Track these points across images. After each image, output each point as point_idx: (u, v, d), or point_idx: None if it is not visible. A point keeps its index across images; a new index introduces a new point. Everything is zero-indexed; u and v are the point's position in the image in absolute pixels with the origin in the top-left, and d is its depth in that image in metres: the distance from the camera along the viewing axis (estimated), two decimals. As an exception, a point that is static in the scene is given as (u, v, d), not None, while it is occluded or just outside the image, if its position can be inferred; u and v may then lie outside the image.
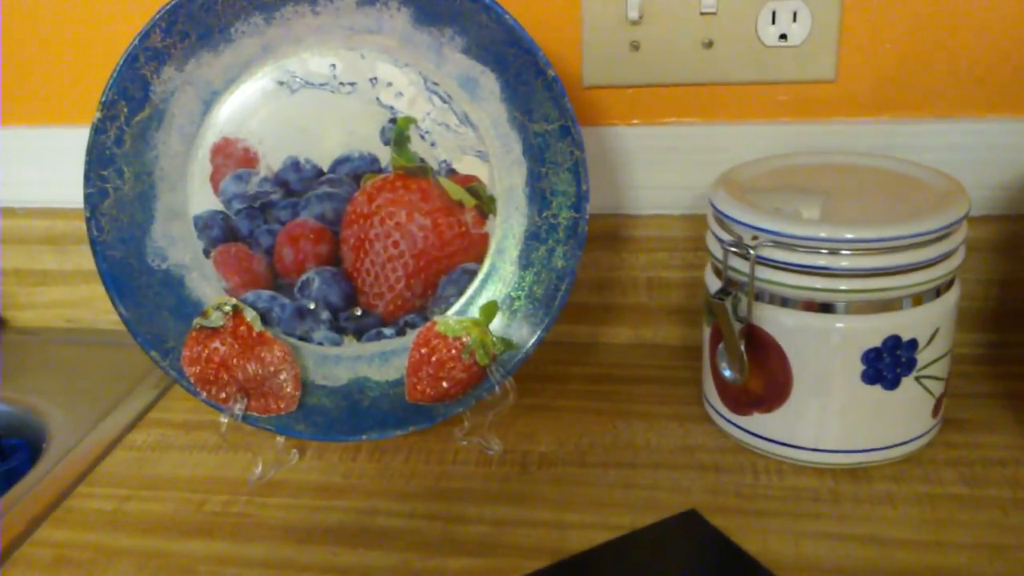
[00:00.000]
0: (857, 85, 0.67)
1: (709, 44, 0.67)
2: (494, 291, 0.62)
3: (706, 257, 0.71)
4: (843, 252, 0.53)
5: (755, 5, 0.66)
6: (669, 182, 0.71)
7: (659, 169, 0.71)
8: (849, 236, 0.52)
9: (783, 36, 0.66)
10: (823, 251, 0.53)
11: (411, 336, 0.61)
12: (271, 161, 0.59)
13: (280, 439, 0.61)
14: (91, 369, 0.77)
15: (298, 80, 0.58)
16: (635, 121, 0.70)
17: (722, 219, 0.58)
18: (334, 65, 0.59)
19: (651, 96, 0.70)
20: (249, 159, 0.59)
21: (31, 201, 0.80)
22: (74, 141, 0.76)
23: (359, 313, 0.61)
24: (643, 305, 0.74)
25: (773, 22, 0.66)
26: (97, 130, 0.56)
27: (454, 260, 0.61)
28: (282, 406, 0.60)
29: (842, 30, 0.66)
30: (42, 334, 0.83)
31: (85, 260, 0.81)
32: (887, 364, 0.55)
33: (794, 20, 0.66)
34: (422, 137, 0.60)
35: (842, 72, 0.67)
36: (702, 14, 0.67)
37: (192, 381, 0.58)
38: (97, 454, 0.64)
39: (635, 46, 0.68)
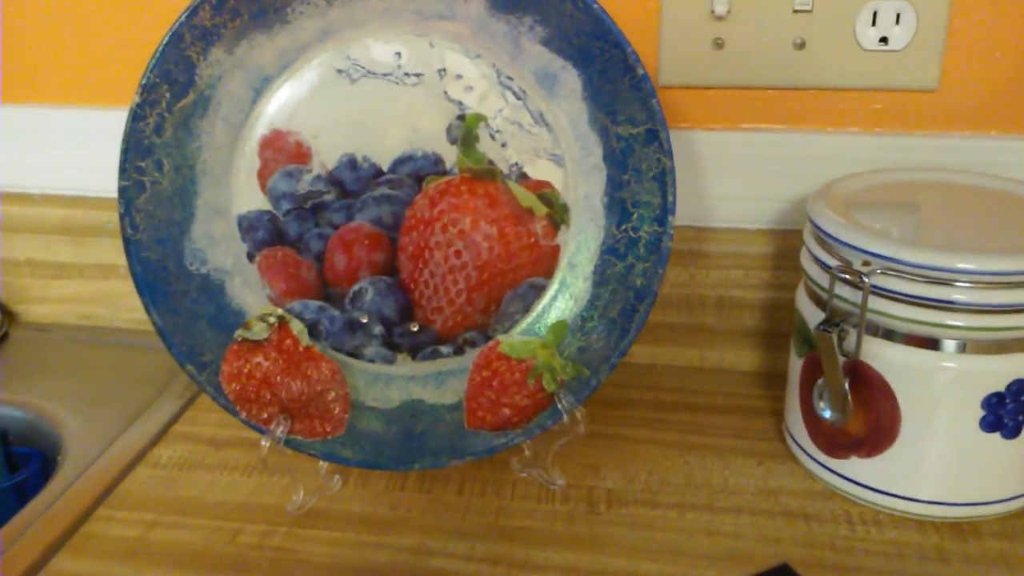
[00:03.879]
0: (962, 96, 0.61)
1: (801, 45, 0.62)
2: (564, 309, 0.56)
3: (787, 277, 0.65)
4: (964, 284, 0.47)
5: (854, 4, 0.60)
6: (748, 193, 0.65)
7: (738, 178, 0.65)
8: (988, 267, 0.46)
9: (883, 39, 0.61)
10: (949, 282, 0.47)
11: (470, 356, 0.56)
12: (325, 158, 0.53)
13: (323, 464, 0.56)
14: (108, 372, 0.71)
15: (359, 69, 0.52)
16: (714, 125, 0.65)
17: (825, 239, 0.52)
18: (399, 53, 0.53)
19: (733, 99, 0.64)
20: (301, 155, 0.53)
21: (49, 187, 0.74)
22: (100, 124, 0.71)
23: (415, 329, 0.55)
24: (711, 326, 0.68)
25: (873, 24, 0.60)
26: (135, 116, 0.50)
27: (521, 273, 0.55)
28: (329, 429, 0.54)
29: (949, 35, 0.60)
30: (55, 331, 0.77)
31: (104, 253, 0.75)
32: (1009, 411, 0.49)
33: (897, 22, 0.60)
34: (492, 137, 0.54)
35: (946, 81, 0.61)
36: (795, 11, 0.61)
37: (231, 399, 0.52)
38: (118, 471, 0.59)
39: (719, 44, 0.62)
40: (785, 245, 0.65)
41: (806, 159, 0.63)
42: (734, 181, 0.65)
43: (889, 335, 0.50)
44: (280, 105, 0.53)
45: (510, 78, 0.53)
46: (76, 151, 0.72)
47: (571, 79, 0.53)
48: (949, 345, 0.49)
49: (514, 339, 0.55)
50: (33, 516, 0.55)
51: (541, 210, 0.55)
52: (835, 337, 0.50)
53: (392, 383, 0.56)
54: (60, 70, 0.71)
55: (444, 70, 0.53)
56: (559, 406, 0.54)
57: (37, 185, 0.74)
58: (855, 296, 0.50)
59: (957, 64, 0.61)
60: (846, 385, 0.51)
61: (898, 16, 0.60)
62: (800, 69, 0.62)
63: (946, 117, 0.62)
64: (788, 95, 0.63)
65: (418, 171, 0.54)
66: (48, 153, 0.73)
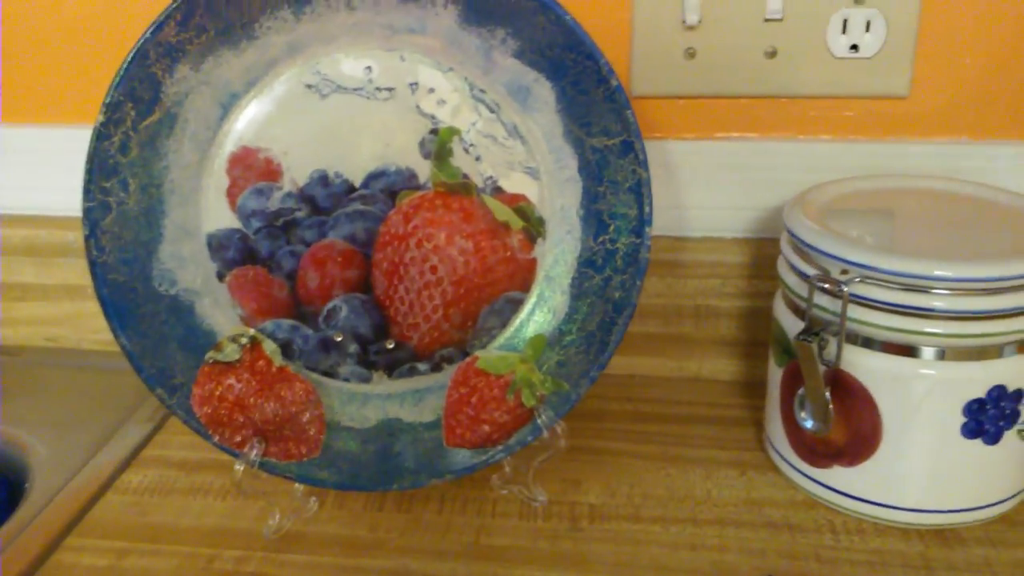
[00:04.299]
0: (933, 101, 0.62)
1: (772, 53, 0.62)
2: (542, 323, 0.55)
3: (764, 285, 0.65)
4: (942, 291, 0.47)
5: (825, 12, 0.60)
6: (723, 202, 0.65)
7: (712, 188, 0.65)
8: (966, 274, 0.46)
9: (854, 47, 0.61)
10: (927, 290, 0.47)
11: (448, 373, 0.55)
12: (296, 174, 0.52)
13: (299, 486, 0.54)
14: (76, 395, 0.69)
15: (329, 84, 0.52)
16: (687, 135, 0.64)
17: (803, 248, 0.52)
18: (370, 68, 0.52)
19: (706, 108, 0.64)
20: (271, 171, 0.52)
21: (10, 208, 0.72)
22: (63, 143, 0.69)
23: (391, 346, 0.54)
24: (688, 335, 0.68)
25: (844, 31, 0.60)
26: (100, 136, 0.49)
27: (498, 288, 0.55)
28: (304, 451, 0.53)
29: (918, 42, 0.60)
30: (20, 354, 0.75)
31: (69, 273, 0.73)
32: (990, 417, 0.49)
33: (867, 30, 0.60)
34: (466, 150, 0.53)
35: (917, 87, 0.61)
36: (766, 20, 0.61)
37: (203, 423, 0.51)
38: (87, 498, 0.57)
39: (690, 53, 0.62)
40: (761, 253, 0.65)
41: (780, 167, 0.63)
42: (709, 190, 0.65)
43: (868, 343, 0.50)
44: (248, 121, 0.52)
45: (483, 91, 0.53)
46: (38, 170, 0.70)
47: (544, 91, 0.53)
48: (928, 352, 0.49)
49: (492, 355, 0.54)
50: (2, 545, 0.53)
51: (517, 223, 0.54)
52: (815, 347, 0.50)
53: (368, 402, 0.55)
54: (22, 88, 0.70)
55: (416, 84, 0.52)
56: (539, 422, 0.53)
57: (-1, 205, 0.72)
58: (834, 305, 0.50)
59: (927, 71, 0.61)
60: (827, 394, 0.51)
61: (868, 24, 0.60)
62: (772, 77, 0.62)
63: (918, 123, 0.62)
64: (760, 103, 0.63)
65: (391, 186, 0.53)
66: (9, 172, 0.71)
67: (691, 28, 0.62)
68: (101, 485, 0.58)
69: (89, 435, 0.64)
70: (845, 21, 0.60)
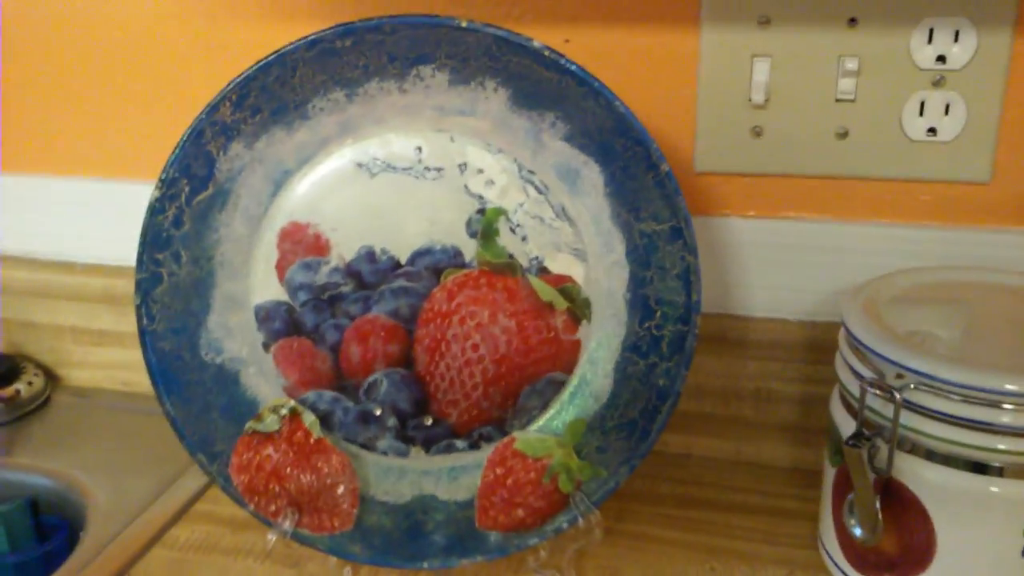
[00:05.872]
0: (1016, 189, 0.58)
1: (844, 134, 0.59)
2: (583, 407, 0.54)
3: (825, 371, 0.62)
4: (1011, 406, 0.44)
5: (901, 94, 0.58)
6: (787, 283, 0.62)
7: (776, 268, 0.62)
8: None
9: (931, 130, 0.58)
10: (994, 404, 0.44)
11: (485, 451, 0.54)
12: (344, 250, 0.53)
13: (332, 557, 0.55)
14: (142, 441, 0.71)
15: (379, 163, 0.52)
16: (751, 213, 0.62)
17: (858, 347, 0.49)
18: (420, 148, 0.52)
19: (772, 187, 0.62)
20: (320, 246, 0.53)
21: (91, 257, 0.76)
22: (140, 198, 0.72)
23: (429, 422, 0.54)
24: (747, 419, 0.65)
25: (921, 113, 0.58)
26: (154, 210, 0.50)
27: (540, 368, 0.54)
28: (337, 524, 0.53)
29: (1001, 126, 0.57)
30: (95, 396, 0.78)
31: (145, 321, 0.76)
32: (1056, 542, 0.45)
33: (946, 113, 0.57)
34: (512, 231, 0.53)
35: (999, 173, 0.58)
36: (837, 100, 0.59)
37: (240, 491, 0.52)
38: (135, 552, 0.59)
39: (757, 132, 0.61)
40: (826, 338, 0.62)
41: (849, 251, 0.61)
42: (774, 270, 0.62)
43: (924, 454, 0.47)
44: (299, 198, 0.52)
45: (532, 172, 0.52)
46: (116, 223, 0.73)
47: (593, 175, 0.52)
48: (991, 469, 0.46)
49: (530, 436, 0.53)
50: (47, 598, 0.55)
51: (561, 304, 0.53)
52: (865, 453, 0.47)
53: (404, 477, 0.55)
54: (99, 145, 0.73)
55: (465, 164, 0.52)
56: (575, 510, 0.52)
57: (79, 255, 0.76)
58: (888, 410, 0.47)
59: (1011, 156, 0.57)
60: (877, 504, 0.48)
61: (947, 107, 0.57)
62: (842, 158, 0.60)
63: (998, 211, 0.59)
64: (829, 184, 0.60)
65: (436, 264, 0.53)
66: (89, 224, 0.75)
67: (758, 106, 0.60)
68: (150, 538, 0.60)
69: (147, 483, 0.66)
70: (922, 103, 0.57)
